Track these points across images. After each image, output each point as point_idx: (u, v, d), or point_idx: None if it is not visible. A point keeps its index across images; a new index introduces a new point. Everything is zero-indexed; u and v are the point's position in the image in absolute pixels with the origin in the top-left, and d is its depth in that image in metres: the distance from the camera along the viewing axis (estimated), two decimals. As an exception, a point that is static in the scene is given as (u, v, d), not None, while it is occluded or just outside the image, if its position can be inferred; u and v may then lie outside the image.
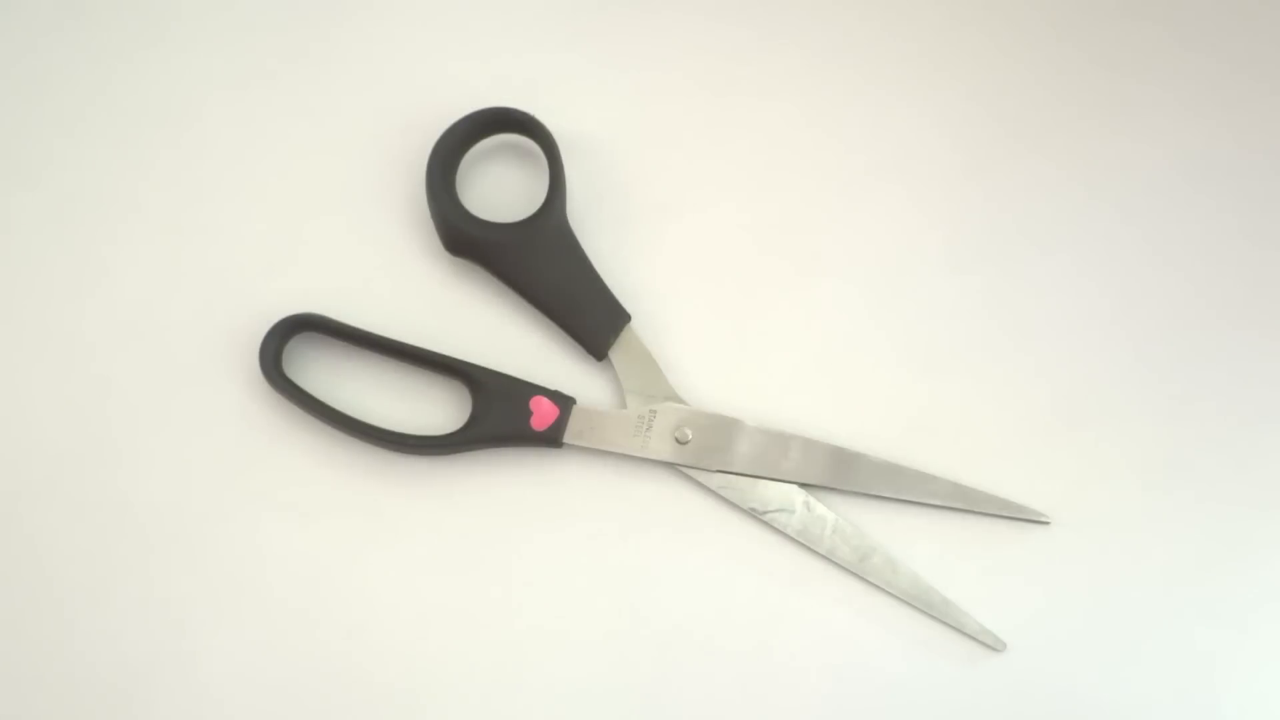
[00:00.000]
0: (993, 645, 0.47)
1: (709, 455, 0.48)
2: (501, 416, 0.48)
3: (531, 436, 0.48)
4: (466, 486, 0.49)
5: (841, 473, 0.48)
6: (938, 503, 0.48)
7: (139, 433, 0.49)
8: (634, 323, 0.49)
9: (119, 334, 0.51)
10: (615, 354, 0.49)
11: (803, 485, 0.48)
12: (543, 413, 0.48)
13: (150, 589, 0.48)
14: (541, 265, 0.49)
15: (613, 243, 0.51)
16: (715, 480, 0.48)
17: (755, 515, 0.48)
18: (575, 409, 0.48)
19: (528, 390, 0.48)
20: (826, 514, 0.48)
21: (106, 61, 0.54)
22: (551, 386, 0.49)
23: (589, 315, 0.49)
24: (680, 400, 0.49)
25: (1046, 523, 0.48)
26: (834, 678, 0.47)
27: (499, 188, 0.52)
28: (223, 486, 0.49)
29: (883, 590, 0.47)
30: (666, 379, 0.49)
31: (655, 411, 0.48)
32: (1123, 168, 0.52)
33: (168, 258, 0.51)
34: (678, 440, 0.48)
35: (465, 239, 0.50)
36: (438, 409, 0.49)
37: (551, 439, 0.48)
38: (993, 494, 0.48)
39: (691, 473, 0.48)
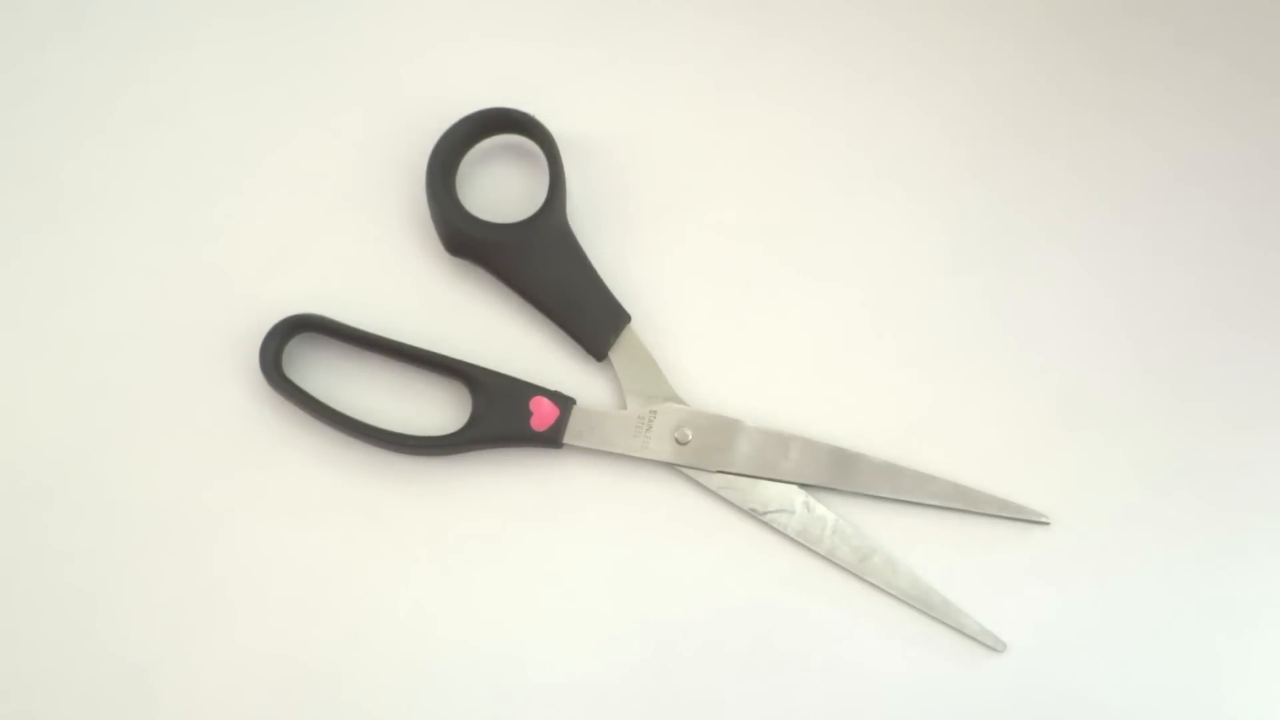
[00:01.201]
0: (993, 645, 0.47)
1: (709, 455, 0.48)
2: (501, 417, 0.48)
3: (531, 437, 0.48)
4: (466, 486, 0.49)
5: (841, 473, 0.48)
6: (938, 503, 0.48)
7: (139, 433, 0.49)
8: (634, 323, 0.49)
9: (119, 334, 0.51)
10: (615, 354, 0.49)
11: (803, 485, 0.48)
12: (543, 413, 0.48)
13: (151, 589, 0.48)
14: (541, 265, 0.49)
15: (613, 243, 0.51)
16: (715, 480, 0.48)
17: (755, 515, 0.48)
18: (575, 409, 0.48)
19: (528, 390, 0.48)
20: (826, 514, 0.47)
21: (106, 62, 0.54)
22: (551, 387, 0.49)
23: (589, 315, 0.49)
24: (680, 401, 0.49)
25: (1046, 523, 0.48)
26: (834, 678, 0.47)
27: (499, 188, 0.52)
28: (223, 487, 0.49)
29: (883, 590, 0.47)
30: (666, 379, 0.49)
31: (655, 412, 0.48)
32: (1124, 168, 0.52)
33: (168, 258, 0.51)
34: (678, 440, 0.48)
35: (465, 239, 0.50)
36: (438, 409, 0.49)
37: (551, 439, 0.48)
38: (993, 494, 0.48)
39: (691, 473, 0.48)
